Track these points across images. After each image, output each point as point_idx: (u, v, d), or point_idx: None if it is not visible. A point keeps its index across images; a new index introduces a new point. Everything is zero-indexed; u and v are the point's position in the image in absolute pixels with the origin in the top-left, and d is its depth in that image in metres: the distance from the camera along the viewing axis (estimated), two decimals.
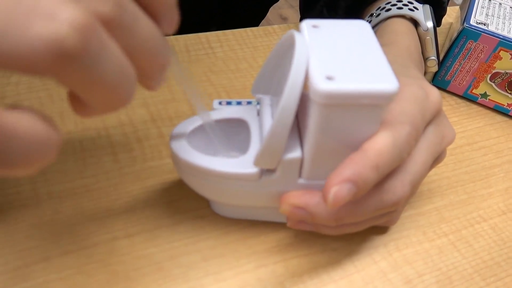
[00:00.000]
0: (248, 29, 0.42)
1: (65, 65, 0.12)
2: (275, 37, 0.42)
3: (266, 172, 0.21)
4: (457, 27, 0.39)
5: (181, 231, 0.25)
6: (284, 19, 1.73)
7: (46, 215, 0.25)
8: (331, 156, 0.20)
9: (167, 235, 0.25)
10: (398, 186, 0.21)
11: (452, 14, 0.49)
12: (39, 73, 0.12)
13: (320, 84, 0.17)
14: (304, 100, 0.20)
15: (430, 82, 0.39)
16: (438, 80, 0.38)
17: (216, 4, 0.49)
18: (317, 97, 0.17)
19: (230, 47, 0.40)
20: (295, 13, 1.68)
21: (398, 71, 0.25)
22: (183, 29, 0.45)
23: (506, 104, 0.36)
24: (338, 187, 0.18)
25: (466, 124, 0.36)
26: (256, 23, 0.57)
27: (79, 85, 0.13)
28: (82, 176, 0.27)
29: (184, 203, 0.27)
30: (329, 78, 0.17)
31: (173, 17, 0.16)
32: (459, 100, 0.38)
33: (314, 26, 0.21)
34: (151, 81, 0.16)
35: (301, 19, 0.45)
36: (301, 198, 0.21)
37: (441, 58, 0.37)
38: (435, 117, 0.23)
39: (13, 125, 0.12)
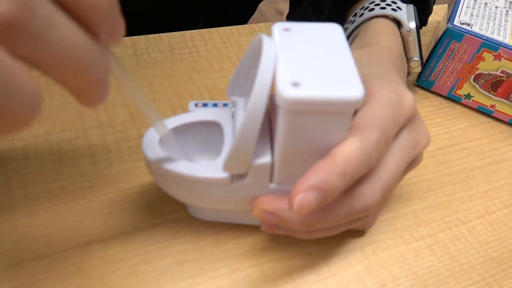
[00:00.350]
0: (233, 27, 0.42)
1: (7, 30, 0.11)
2: None
3: (237, 177, 0.21)
4: (444, 20, 0.39)
5: (156, 235, 0.25)
6: (280, 13, 1.72)
7: (21, 217, 0.25)
8: (301, 162, 0.20)
9: (142, 239, 0.25)
10: (368, 192, 0.21)
11: (440, 12, 0.49)
12: None
13: (286, 91, 0.17)
14: (274, 104, 0.19)
15: (414, 83, 0.39)
16: (423, 81, 0.38)
17: (204, 0, 0.49)
18: (283, 104, 0.17)
19: (214, 46, 0.39)
20: None
21: (374, 74, 0.25)
22: (170, 26, 0.45)
23: (490, 105, 0.36)
24: (303, 195, 0.18)
25: (449, 125, 0.36)
26: (244, 20, 0.57)
27: (37, 56, 0.12)
28: (59, 178, 0.27)
29: (160, 206, 0.27)
30: (295, 84, 0.17)
31: (115, 23, 0.14)
32: (443, 101, 0.38)
33: (286, 30, 0.21)
34: (85, 98, 0.15)
35: (287, 17, 0.45)
36: (272, 203, 0.21)
37: (426, 58, 0.37)
38: (409, 121, 0.23)
39: (15, 69, 0.11)
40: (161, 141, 0.23)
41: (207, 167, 0.21)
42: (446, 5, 0.49)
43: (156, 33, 0.40)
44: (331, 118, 0.18)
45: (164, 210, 0.26)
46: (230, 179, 0.21)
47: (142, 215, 0.26)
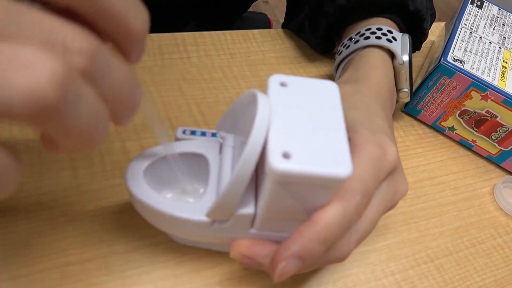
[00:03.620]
0: (227, 32, 0.41)
1: (43, 115, 0.12)
2: (253, 43, 0.41)
3: (218, 221, 0.22)
4: (439, 46, 0.39)
5: (136, 259, 0.25)
6: (265, 2, 1.67)
7: None
8: (283, 216, 0.20)
9: (121, 262, 0.25)
10: (344, 245, 0.22)
11: (435, 32, 0.49)
12: (15, 120, 0.12)
13: (276, 162, 0.17)
14: (262, 156, 0.20)
15: (401, 108, 0.39)
16: (410, 108, 0.38)
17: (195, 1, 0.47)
18: (271, 174, 0.17)
19: (206, 52, 0.38)
20: None
21: (361, 121, 0.25)
22: (161, 24, 0.43)
23: (471, 140, 0.37)
24: (285, 263, 0.19)
25: (430, 157, 0.36)
26: (236, 17, 0.55)
27: (54, 132, 0.13)
28: (39, 192, 0.27)
29: (141, 228, 0.27)
30: (285, 155, 0.17)
31: (142, 49, 0.16)
32: (427, 130, 0.39)
33: (282, 84, 0.20)
34: (122, 119, 0.17)
35: (283, 25, 0.44)
36: (250, 249, 0.22)
37: (418, 83, 0.37)
38: (390, 173, 0.23)
39: (85, 87, 0.13)
40: (146, 171, 0.23)
41: (190, 208, 0.22)
42: (441, 24, 0.49)
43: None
44: (317, 189, 0.18)
45: (144, 233, 0.27)
46: (211, 222, 0.21)
47: (122, 237, 0.26)
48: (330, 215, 0.19)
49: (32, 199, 0.26)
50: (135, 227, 0.27)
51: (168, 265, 0.26)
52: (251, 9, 0.61)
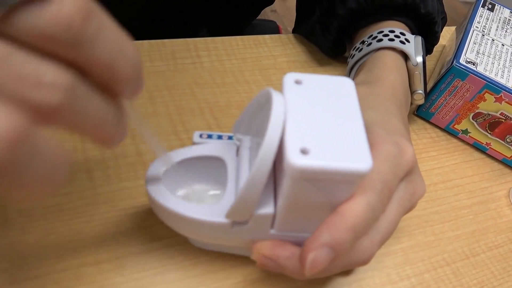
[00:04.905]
0: (238, 37, 0.41)
1: None
2: (265, 48, 0.41)
3: (238, 222, 0.22)
4: (450, 49, 0.39)
5: (150, 260, 0.26)
6: (284, 0, 1.69)
7: (16, 235, 0.25)
8: (303, 215, 0.20)
9: (135, 264, 0.25)
10: (368, 246, 0.21)
11: (446, 36, 0.49)
12: None
13: (294, 159, 0.17)
14: (280, 154, 0.19)
15: (414, 112, 0.39)
16: (423, 111, 0.38)
17: (206, 4, 0.48)
18: (290, 170, 0.17)
19: (217, 57, 0.39)
20: None
21: (377, 121, 0.25)
22: (172, 32, 0.44)
23: (485, 143, 0.37)
24: (316, 253, 0.18)
25: (443, 160, 0.36)
26: (247, 24, 0.56)
27: (2, 188, 0.13)
28: (55, 194, 0.27)
29: (155, 229, 0.27)
30: (304, 151, 0.17)
31: (138, 85, 0.16)
32: (440, 133, 0.38)
33: (297, 82, 0.20)
34: (103, 145, 0.16)
35: (294, 30, 0.44)
36: (272, 250, 0.21)
37: (429, 86, 0.37)
38: (408, 173, 0.23)
39: (41, 141, 0.12)
40: (165, 173, 0.23)
41: (209, 211, 0.22)
42: (452, 28, 0.49)
43: (157, 37, 0.39)
44: (337, 184, 0.18)
45: (158, 234, 0.27)
46: (231, 224, 0.21)
47: (137, 239, 0.26)
48: (355, 206, 0.19)
49: (49, 201, 0.27)
50: (149, 228, 0.27)
51: (182, 267, 0.26)
52: (259, 17, 0.61)
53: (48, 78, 0.12)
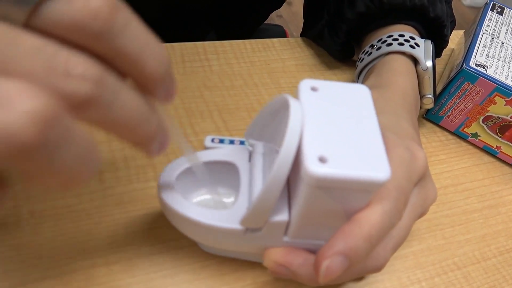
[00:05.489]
0: (246, 41, 0.41)
1: (19, 157, 0.11)
2: (273, 51, 0.41)
3: (251, 228, 0.22)
4: (459, 53, 0.39)
5: (160, 261, 0.26)
6: (288, 3, 1.70)
7: (27, 235, 0.25)
8: (319, 222, 0.20)
9: (146, 265, 0.25)
10: (381, 253, 0.21)
11: (454, 40, 0.48)
12: None
13: (312, 167, 0.17)
14: (296, 161, 0.19)
15: (423, 115, 0.39)
16: (432, 115, 0.38)
17: (214, 9, 0.48)
18: (308, 179, 0.17)
19: (226, 60, 0.39)
20: None
21: (388, 125, 0.25)
22: (180, 35, 0.44)
23: (495, 146, 0.36)
24: (330, 260, 0.18)
25: (453, 164, 0.36)
26: (254, 28, 0.56)
27: (35, 173, 0.12)
28: (66, 196, 0.27)
29: (165, 231, 0.27)
30: (322, 159, 0.17)
31: (169, 87, 0.16)
32: (449, 137, 0.38)
33: (313, 89, 0.20)
34: (143, 149, 0.16)
35: (302, 34, 0.44)
36: (285, 257, 0.21)
37: (438, 90, 0.37)
38: (420, 179, 0.23)
39: (73, 127, 0.12)
40: (178, 178, 0.23)
41: (223, 216, 0.21)
42: (461, 32, 0.49)
43: (166, 41, 0.39)
44: (354, 193, 0.18)
45: (168, 236, 0.27)
46: (244, 230, 0.21)
47: (147, 240, 0.26)
48: (372, 214, 0.19)
49: (59, 202, 0.27)
50: (159, 230, 0.27)
51: (192, 269, 0.26)
52: (266, 22, 0.62)
53: (79, 70, 0.12)
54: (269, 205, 0.19)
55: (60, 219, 0.26)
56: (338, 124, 0.19)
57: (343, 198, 0.18)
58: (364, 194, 0.18)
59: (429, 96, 0.33)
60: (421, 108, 0.34)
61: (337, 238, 0.19)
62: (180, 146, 0.21)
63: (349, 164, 0.17)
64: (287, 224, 0.21)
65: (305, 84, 0.20)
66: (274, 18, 1.65)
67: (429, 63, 0.32)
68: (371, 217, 0.19)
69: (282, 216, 0.20)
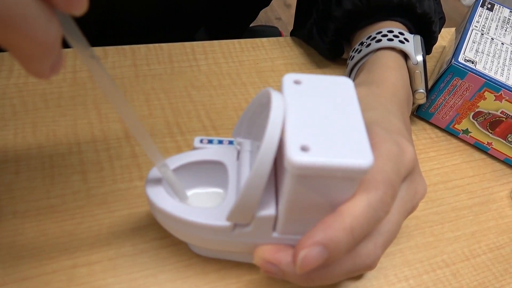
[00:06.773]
0: (235, 40, 0.41)
1: None
2: (262, 51, 0.41)
3: (239, 225, 0.21)
4: (450, 51, 0.39)
5: (143, 261, 0.25)
6: (287, 6, 1.70)
7: (8, 236, 0.25)
8: (306, 215, 0.20)
9: (128, 265, 0.25)
10: (371, 249, 0.21)
11: (446, 37, 0.48)
12: None
13: (295, 156, 0.17)
14: (280, 154, 0.19)
15: (413, 112, 0.39)
16: (422, 111, 0.37)
17: (205, 6, 0.48)
18: (290, 168, 0.17)
19: (215, 60, 0.39)
20: None
21: (377, 121, 0.24)
22: (170, 31, 0.44)
23: (486, 143, 0.36)
24: (308, 250, 0.18)
25: (443, 161, 0.36)
26: (246, 25, 0.56)
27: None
28: (49, 196, 0.27)
29: (148, 231, 0.27)
30: (304, 148, 0.17)
31: None
32: (440, 134, 0.38)
33: (296, 82, 0.20)
34: (34, 65, 0.14)
35: (292, 33, 0.44)
36: (274, 255, 0.21)
37: (430, 85, 0.36)
38: (409, 173, 0.23)
39: None
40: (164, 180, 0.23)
41: (210, 214, 0.21)
42: (452, 29, 0.49)
43: (156, 39, 0.39)
44: (339, 182, 0.18)
45: (151, 235, 0.26)
46: (232, 227, 0.21)
47: (130, 240, 0.26)
48: (355, 206, 0.19)
49: (42, 202, 0.27)
50: (142, 230, 0.27)
51: (175, 268, 0.25)
52: (263, 23, 0.62)
53: None
54: (254, 198, 0.19)
55: (43, 219, 0.26)
56: (320, 115, 0.19)
57: (327, 188, 0.18)
58: (347, 183, 0.18)
59: (421, 91, 0.33)
60: (414, 103, 0.34)
61: (317, 229, 0.18)
62: (149, 156, 0.21)
63: (331, 152, 0.17)
64: (275, 219, 0.21)
65: (289, 78, 0.20)
66: (273, 20, 1.65)
67: (419, 58, 0.32)
68: (354, 209, 0.19)
69: (269, 211, 0.20)
